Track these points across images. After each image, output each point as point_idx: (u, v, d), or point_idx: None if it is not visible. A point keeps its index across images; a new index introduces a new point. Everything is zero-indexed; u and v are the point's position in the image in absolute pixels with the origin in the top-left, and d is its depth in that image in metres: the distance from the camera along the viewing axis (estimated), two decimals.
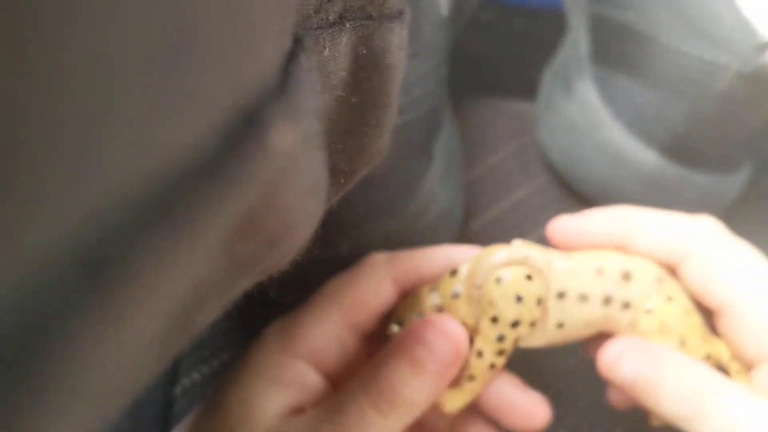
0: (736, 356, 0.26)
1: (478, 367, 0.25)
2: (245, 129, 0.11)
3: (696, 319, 0.26)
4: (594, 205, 0.37)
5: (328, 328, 0.26)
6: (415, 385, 0.23)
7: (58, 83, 0.07)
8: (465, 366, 0.25)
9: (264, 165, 0.12)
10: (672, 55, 0.32)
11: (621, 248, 0.27)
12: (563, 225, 0.27)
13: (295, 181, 0.13)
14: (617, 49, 0.34)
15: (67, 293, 0.09)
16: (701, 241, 0.26)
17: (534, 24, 0.47)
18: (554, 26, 0.44)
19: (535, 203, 0.39)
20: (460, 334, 0.24)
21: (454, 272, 0.26)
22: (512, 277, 0.25)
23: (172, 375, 0.33)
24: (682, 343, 0.25)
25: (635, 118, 0.34)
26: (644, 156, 0.34)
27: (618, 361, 0.25)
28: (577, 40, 0.38)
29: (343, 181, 0.18)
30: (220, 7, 0.10)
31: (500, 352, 0.25)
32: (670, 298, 0.26)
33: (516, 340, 0.26)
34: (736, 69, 0.30)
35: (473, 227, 0.38)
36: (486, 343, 0.25)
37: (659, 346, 0.25)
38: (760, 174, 0.41)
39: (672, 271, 0.27)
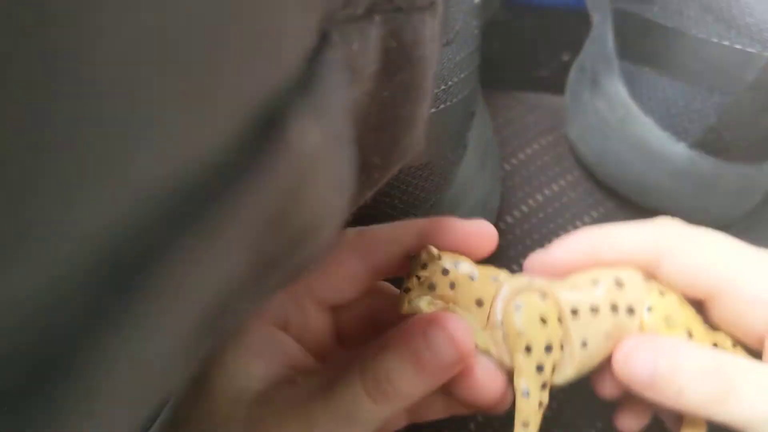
0: (739, 342, 0.26)
1: (529, 408, 0.24)
2: (268, 129, 0.11)
3: (692, 310, 0.26)
4: (627, 200, 0.37)
5: (299, 305, 0.26)
6: (413, 381, 0.22)
7: (85, 81, 0.07)
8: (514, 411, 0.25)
9: (288, 164, 0.11)
10: (700, 47, 0.32)
11: (595, 262, 0.27)
12: (538, 260, 0.27)
13: (320, 178, 0.13)
14: (643, 44, 0.34)
15: (96, 298, 0.09)
16: (673, 238, 0.26)
17: (542, 23, 0.47)
18: (561, 25, 0.44)
19: (569, 198, 0.39)
20: (467, 338, 0.23)
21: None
22: (528, 301, 0.25)
23: None
24: (690, 334, 0.25)
25: (665, 113, 0.34)
26: (676, 150, 0.34)
27: (632, 360, 0.24)
28: (603, 36, 0.38)
29: (376, 176, 0.18)
30: (241, 6, 0.10)
31: (543, 386, 0.25)
32: (662, 293, 0.26)
33: (552, 369, 0.25)
34: (767, 58, 0.29)
35: (508, 220, 0.38)
36: (529, 379, 0.24)
37: (669, 338, 0.25)
38: None
39: (651, 274, 0.27)
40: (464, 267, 0.25)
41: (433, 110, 0.27)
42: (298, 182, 0.12)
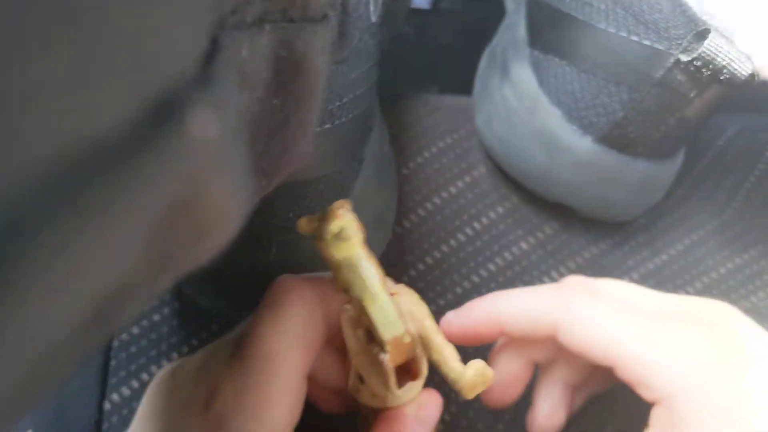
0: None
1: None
2: (164, 116, 0.11)
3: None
4: (533, 194, 0.37)
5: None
6: None
7: None
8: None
9: (186, 151, 0.12)
10: (609, 41, 0.31)
11: (502, 332, 0.28)
12: (446, 323, 0.28)
13: (220, 172, 0.13)
14: (554, 34, 0.34)
15: None
16: (569, 310, 0.26)
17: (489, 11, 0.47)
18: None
19: (472, 196, 0.38)
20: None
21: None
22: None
23: (100, 390, 0.32)
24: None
25: (573, 105, 0.33)
26: (581, 143, 0.33)
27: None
28: (516, 23, 0.37)
29: (264, 182, 0.19)
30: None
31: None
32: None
33: None
34: (674, 56, 0.29)
35: (405, 225, 0.37)
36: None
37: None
38: (693, 158, 0.41)
39: (553, 338, 0.27)
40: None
41: (327, 126, 0.27)
42: (199, 177, 0.12)
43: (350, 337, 0.25)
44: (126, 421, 0.31)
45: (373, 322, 0.23)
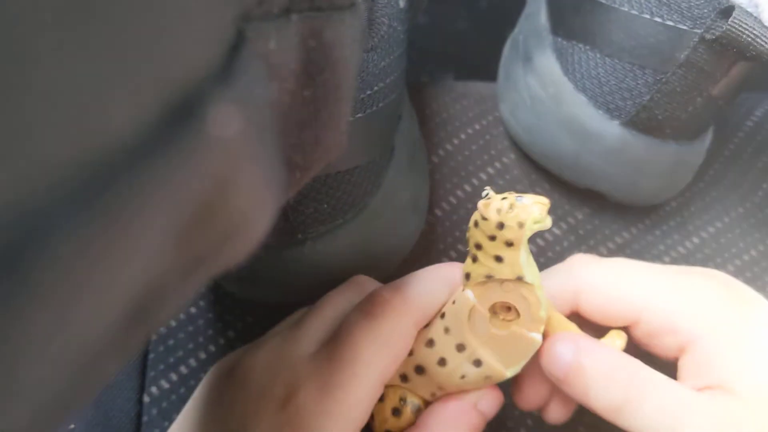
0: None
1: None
2: (182, 115, 0.11)
3: None
4: (561, 180, 0.37)
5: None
6: None
7: None
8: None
9: (209, 151, 0.12)
10: (632, 23, 0.31)
11: None
12: None
13: (246, 174, 0.13)
14: (576, 20, 0.34)
15: None
16: (586, 278, 0.28)
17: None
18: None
19: (502, 183, 0.38)
20: None
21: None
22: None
23: (139, 383, 0.33)
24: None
25: (598, 90, 0.33)
26: (609, 128, 0.33)
27: (551, 352, 0.26)
28: (536, 11, 0.37)
29: (298, 175, 0.18)
30: None
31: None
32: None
33: None
34: (698, 35, 0.29)
35: (437, 213, 0.37)
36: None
37: (589, 338, 0.26)
38: (722, 140, 0.41)
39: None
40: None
41: (359, 115, 0.27)
42: (222, 172, 0.12)
43: (469, 326, 0.25)
44: (165, 413, 0.32)
45: (539, 305, 0.25)
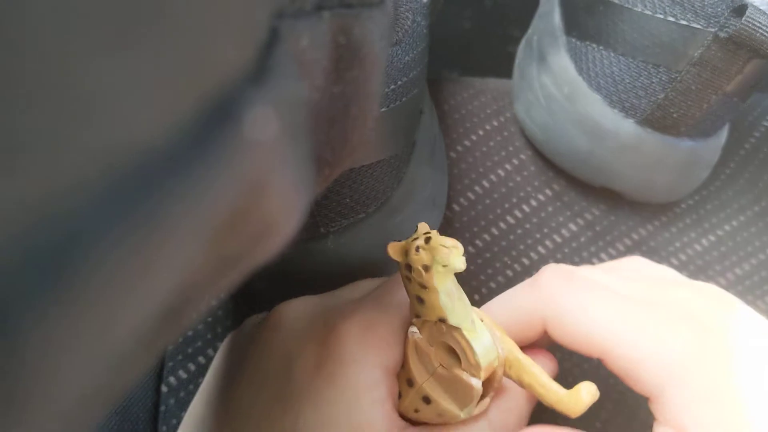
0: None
1: None
2: (217, 119, 0.11)
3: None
4: (576, 178, 0.37)
5: None
6: None
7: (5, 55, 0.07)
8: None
9: (245, 155, 0.11)
10: (645, 23, 0.31)
11: None
12: None
13: (281, 176, 0.13)
14: (589, 20, 0.34)
15: (23, 289, 0.08)
16: (555, 304, 0.26)
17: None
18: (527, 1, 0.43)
19: (519, 180, 0.39)
20: None
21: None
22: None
23: (157, 373, 0.33)
24: None
25: (612, 89, 0.33)
26: (623, 126, 0.34)
27: None
28: (550, 11, 0.38)
29: (327, 172, 0.18)
30: None
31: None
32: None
33: None
34: (712, 33, 0.29)
35: (455, 208, 0.37)
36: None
37: None
38: (739, 138, 0.41)
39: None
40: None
41: (383, 109, 0.27)
42: (258, 175, 0.12)
43: (416, 362, 0.25)
44: (183, 403, 0.32)
45: (471, 349, 0.23)
